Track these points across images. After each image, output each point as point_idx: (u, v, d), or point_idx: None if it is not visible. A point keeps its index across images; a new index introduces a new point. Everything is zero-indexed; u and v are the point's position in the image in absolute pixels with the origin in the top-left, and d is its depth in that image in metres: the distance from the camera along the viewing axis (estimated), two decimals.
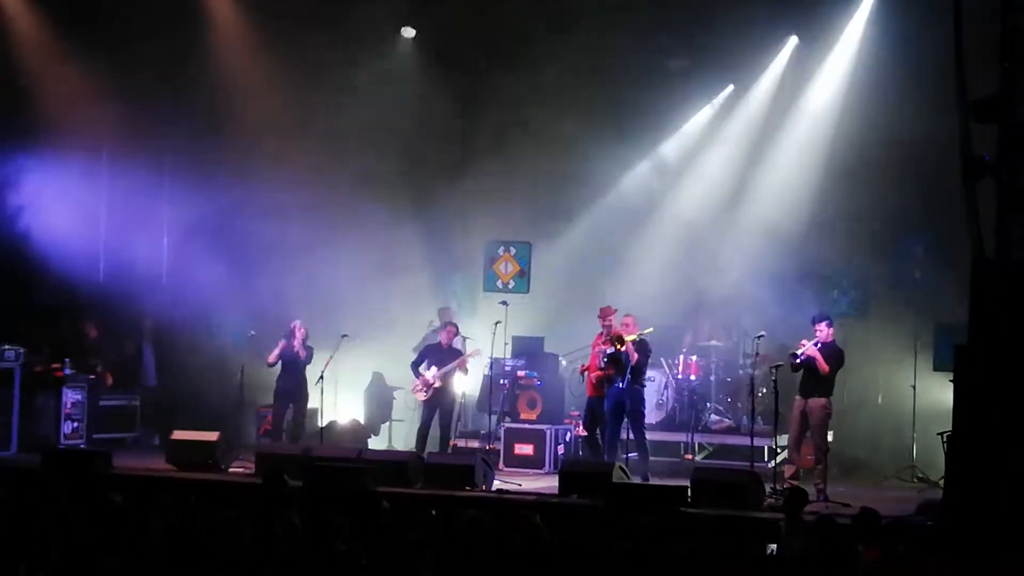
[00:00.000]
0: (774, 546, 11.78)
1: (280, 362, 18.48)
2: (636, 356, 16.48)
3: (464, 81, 20.85)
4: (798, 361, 15.80)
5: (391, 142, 21.08)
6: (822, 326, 15.95)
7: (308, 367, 18.50)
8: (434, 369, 18.31)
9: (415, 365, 18.53)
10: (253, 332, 18.77)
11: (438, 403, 18.34)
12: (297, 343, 18.35)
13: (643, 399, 16.90)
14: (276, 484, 12.77)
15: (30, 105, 19.90)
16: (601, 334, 17.08)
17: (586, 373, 17.11)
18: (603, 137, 20.04)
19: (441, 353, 18.47)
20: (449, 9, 20.19)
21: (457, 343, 19.13)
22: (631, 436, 16.69)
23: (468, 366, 18.71)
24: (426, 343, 19.24)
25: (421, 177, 21.03)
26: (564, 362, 18.81)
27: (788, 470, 15.92)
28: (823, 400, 15.75)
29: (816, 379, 15.77)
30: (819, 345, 15.80)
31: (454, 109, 20.89)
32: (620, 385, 16.51)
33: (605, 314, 17.06)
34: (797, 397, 15.93)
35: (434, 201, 20.98)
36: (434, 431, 18.41)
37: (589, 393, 17.09)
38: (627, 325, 16.76)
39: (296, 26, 20.09)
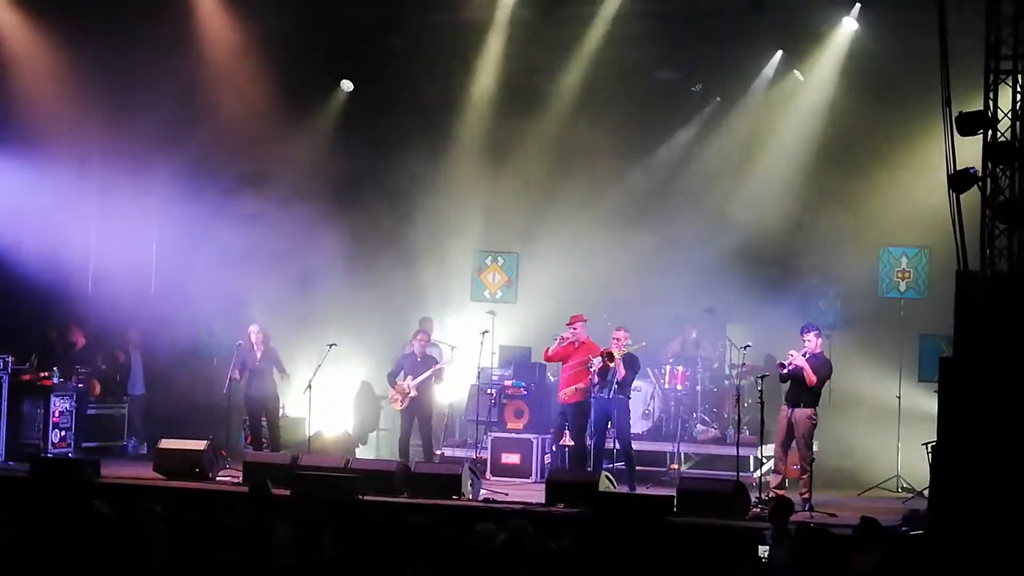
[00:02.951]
0: (766, 548, 11.84)
1: (248, 371, 18.49)
2: (623, 372, 16.58)
3: (451, 90, 20.83)
4: (786, 372, 15.84)
5: (378, 151, 21.13)
6: (810, 336, 15.99)
7: (276, 370, 18.44)
8: (409, 379, 18.36)
9: (391, 376, 18.61)
10: (240, 342, 18.75)
11: (415, 412, 18.38)
12: (257, 349, 18.36)
13: (628, 409, 16.95)
14: (261, 492, 12.86)
15: (18, 111, 19.89)
16: (572, 342, 17.14)
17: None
18: (592, 148, 20.11)
19: (415, 362, 18.52)
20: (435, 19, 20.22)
21: (440, 352, 19.18)
22: (617, 446, 16.76)
23: (444, 375, 18.75)
24: (402, 353, 19.25)
25: (408, 186, 21.03)
26: (552, 378, 18.83)
27: (774, 479, 15.96)
28: (809, 410, 15.78)
29: (803, 389, 15.80)
30: (807, 355, 15.85)
31: (442, 117, 20.89)
32: (605, 395, 16.58)
33: (573, 321, 17.17)
34: (783, 407, 15.98)
35: (422, 211, 20.99)
36: (416, 440, 18.49)
37: (564, 400, 17.14)
38: (617, 339, 16.79)
39: (284, 32, 20.15)
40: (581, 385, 16.97)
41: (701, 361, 19.30)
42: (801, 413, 15.74)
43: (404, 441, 18.47)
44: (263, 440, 18.53)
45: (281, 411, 19.48)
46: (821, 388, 15.90)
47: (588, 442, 16.87)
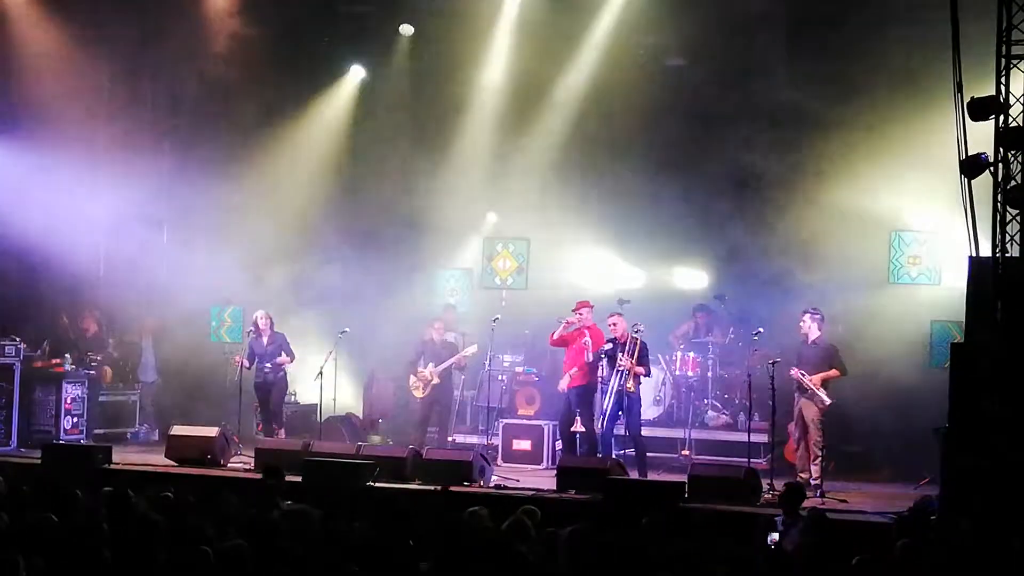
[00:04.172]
0: (775, 535, 11.84)
1: (256, 357, 18.47)
2: (643, 369, 16.55)
3: (461, 76, 20.77)
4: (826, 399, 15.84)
5: (388, 134, 21.12)
6: (805, 318, 16.11)
7: (284, 356, 18.41)
8: (431, 366, 18.40)
9: (412, 363, 18.64)
10: (251, 329, 18.77)
11: (436, 399, 18.46)
12: (263, 334, 18.36)
13: (639, 395, 16.91)
14: (272, 479, 12.89)
15: (30, 99, 19.90)
16: (579, 328, 17.08)
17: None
18: (602, 133, 20.04)
19: (436, 349, 18.56)
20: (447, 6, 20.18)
21: (454, 339, 19.20)
22: (627, 432, 16.73)
23: (465, 362, 18.81)
24: (421, 340, 19.28)
25: (418, 173, 21.02)
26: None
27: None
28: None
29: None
30: (810, 342, 15.79)
31: (451, 102, 20.84)
32: (616, 383, 16.53)
33: (579, 307, 17.14)
34: (796, 394, 15.99)
35: (432, 197, 20.96)
36: (432, 427, 18.57)
37: (577, 383, 17.08)
38: (614, 325, 16.75)
39: (292, 19, 20.15)
40: (576, 370, 16.94)
41: (712, 347, 19.29)
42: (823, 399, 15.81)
43: (422, 427, 18.54)
44: (273, 426, 18.54)
45: (292, 396, 19.56)
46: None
47: (596, 428, 16.87)
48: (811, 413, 15.82)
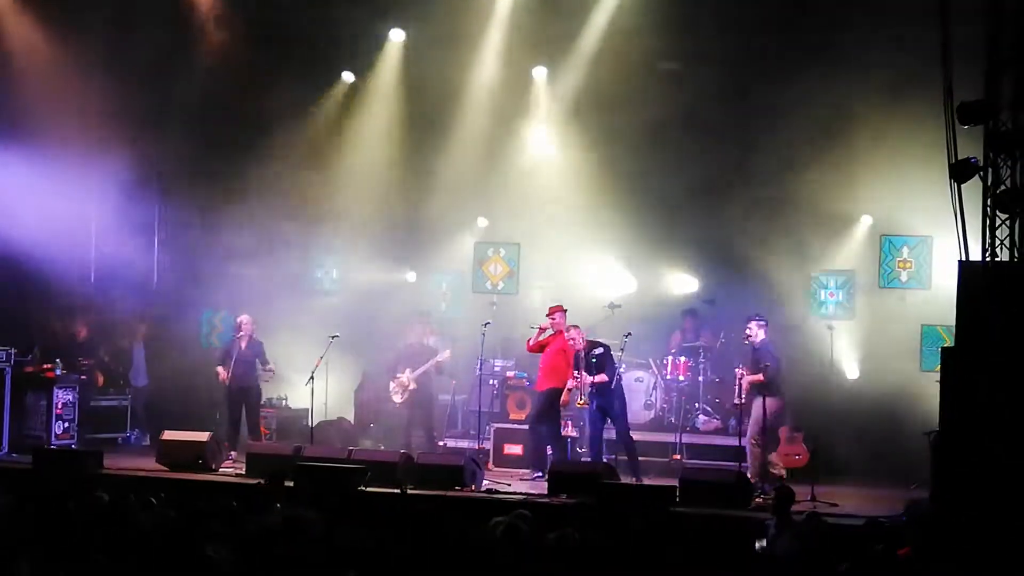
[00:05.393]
0: (763, 542, 11.86)
1: (232, 359, 18.40)
2: (604, 377, 16.50)
3: (452, 80, 20.78)
4: (742, 398, 16.18)
5: (378, 137, 21.10)
6: (751, 325, 16.31)
7: (258, 360, 18.37)
8: (408, 371, 18.41)
9: (390, 368, 18.64)
10: (234, 330, 18.75)
11: (415, 404, 18.46)
12: (243, 339, 18.34)
13: (623, 399, 16.89)
14: (276, 485, 12.87)
15: (20, 104, 19.87)
16: (554, 333, 17.12)
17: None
18: (593, 137, 20.05)
19: (414, 354, 18.56)
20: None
21: (433, 343, 19.21)
22: (616, 436, 16.72)
23: (443, 367, 18.78)
24: (404, 343, 19.27)
25: (408, 178, 21.00)
26: None
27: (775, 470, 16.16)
28: (773, 399, 16.07)
29: (763, 385, 16.09)
30: (755, 347, 16.11)
31: (444, 105, 20.84)
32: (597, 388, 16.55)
33: (552, 312, 17.17)
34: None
35: (422, 202, 20.96)
36: (418, 432, 18.57)
37: (549, 386, 17.07)
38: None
39: (282, 23, 20.16)
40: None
41: (703, 352, 19.30)
42: (770, 402, 16.00)
43: (405, 434, 18.54)
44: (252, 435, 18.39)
45: (284, 401, 19.56)
46: (777, 376, 16.21)
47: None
48: (765, 413, 15.99)
